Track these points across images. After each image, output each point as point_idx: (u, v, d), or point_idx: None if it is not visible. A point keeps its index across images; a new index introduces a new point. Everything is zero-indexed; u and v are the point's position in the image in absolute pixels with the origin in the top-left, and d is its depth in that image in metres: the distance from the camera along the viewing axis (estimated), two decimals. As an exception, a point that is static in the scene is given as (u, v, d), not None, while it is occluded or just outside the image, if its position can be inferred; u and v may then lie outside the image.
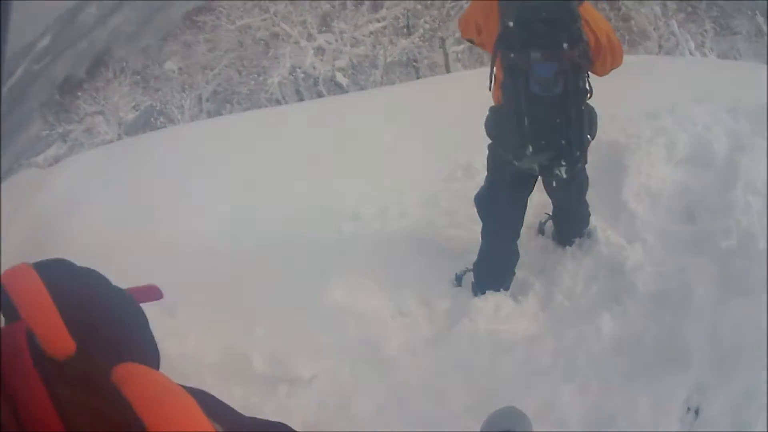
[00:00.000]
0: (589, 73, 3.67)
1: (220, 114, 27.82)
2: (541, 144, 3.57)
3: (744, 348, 3.37)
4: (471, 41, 3.96)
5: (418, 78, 24.54)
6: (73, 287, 0.90)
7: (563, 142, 3.59)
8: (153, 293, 1.08)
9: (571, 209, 4.41)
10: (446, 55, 27.64)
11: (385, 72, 26.77)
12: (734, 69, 14.18)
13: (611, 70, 3.83)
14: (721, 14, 40.19)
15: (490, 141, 3.88)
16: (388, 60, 27.01)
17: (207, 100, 31.69)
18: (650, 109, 6.71)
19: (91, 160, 9.96)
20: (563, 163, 3.67)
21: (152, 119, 33.28)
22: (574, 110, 3.56)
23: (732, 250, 4.38)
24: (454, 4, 24.93)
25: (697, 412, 3.20)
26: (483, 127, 3.83)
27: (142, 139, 13.42)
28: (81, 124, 33.91)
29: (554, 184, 3.91)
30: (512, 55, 3.42)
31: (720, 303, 3.81)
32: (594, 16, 3.66)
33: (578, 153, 3.66)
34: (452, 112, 4.61)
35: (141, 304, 1.03)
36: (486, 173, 4.10)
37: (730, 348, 3.41)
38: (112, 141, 27.40)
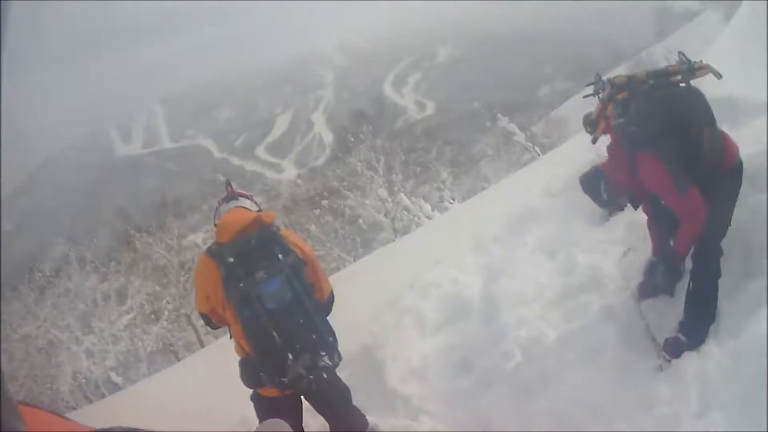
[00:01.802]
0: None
1: (38, 428, 27.65)
2: (297, 348, 3.97)
3: (570, 423, 4.01)
4: (206, 318, 4.27)
5: (178, 360, 25.56)
6: None
7: (314, 336, 4.05)
8: None
9: (345, 416, 4.70)
10: (196, 331, 29.11)
11: (149, 363, 27.66)
12: (479, 203, 15.34)
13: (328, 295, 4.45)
14: (458, 150, 42.35)
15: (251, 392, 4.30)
16: (148, 350, 28.11)
17: None
18: (390, 296, 7.11)
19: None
20: (323, 353, 4.08)
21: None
22: (309, 303, 4.09)
23: (519, 365, 4.92)
24: (189, 276, 26.19)
25: None
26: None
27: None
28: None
29: (323, 381, 4.14)
30: (241, 285, 3.92)
31: (524, 410, 4.42)
32: (294, 237, 4.34)
33: (331, 338, 4.15)
34: (208, 385, 5.01)
35: None
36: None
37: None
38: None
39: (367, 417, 4.94)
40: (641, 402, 3.98)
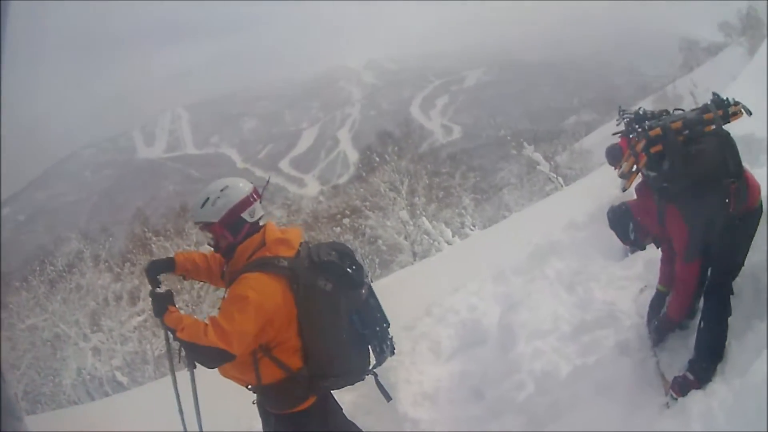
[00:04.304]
0: None
1: (35, 413, 28.09)
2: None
3: None
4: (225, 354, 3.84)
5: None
6: None
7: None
8: None
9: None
10: (207, 336, 29.45)
11: (156, 366, 27.39)
12: (500, 231, 15.47)
13: None
14: (481, 177, 41.77)
15: (285, 412, 4.22)
16: (156, 353, 27.69)
17: (22, 399, 31.28)
18: (407, 321, 7.15)
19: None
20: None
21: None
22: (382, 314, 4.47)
23: (530, 397, 4.96)
24: (205, 285, 26.20)
25: None
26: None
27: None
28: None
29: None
30: (348, 300, 4.14)
31: None
32: None
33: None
34: (222, 387, 4.63)
35: None
36: None
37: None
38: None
39: None
40: (651, 437, 3.98)
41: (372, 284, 4.33)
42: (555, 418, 4.51)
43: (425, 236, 27.47)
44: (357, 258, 4.22)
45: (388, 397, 4.67)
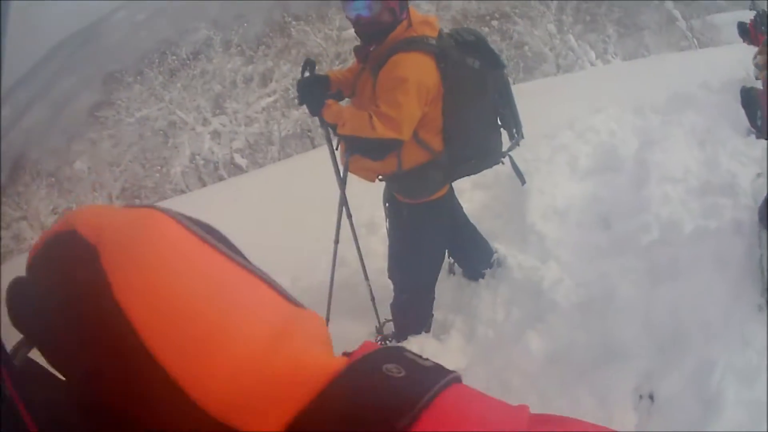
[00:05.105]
0: None
1: (134, 207, 28.99)
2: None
3: (684, 328, 3.61)
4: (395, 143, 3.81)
5: (314, 147, 25.16)
6: None
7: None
8: None
9: (470, 236, 4.85)
10: (340, 118, 29.19)
11: (281, 147, 27.88)
12: (641, 67, 15.24)
13: None
14: (625, 14, 40.42)
15: (421, 201, 4.13)
16: (283, 134, 28.15)
17: (117, 198, 31.61)
18: (547, 130, 7.04)
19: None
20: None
21: (71, 222, 33.26)
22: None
23: (654, 243, 4.65)
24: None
25: (651, 397, 3.34)
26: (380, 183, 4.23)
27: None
28: (8, 231, 33.35)
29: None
30: (488, 78, 4.01)
31: (650, 294, 4.02)
32: None
33: None
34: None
35: None
36: (410, 231, 4.25)
37: (670, 331, 3.64)
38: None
39: (496, 245, 5.06)
40: (742, 337, 3.55)
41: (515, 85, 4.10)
42: (672, 275, 4.15)
43: (570, 52, 27.87)
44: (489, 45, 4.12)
45: (523, 180, 4.75)
